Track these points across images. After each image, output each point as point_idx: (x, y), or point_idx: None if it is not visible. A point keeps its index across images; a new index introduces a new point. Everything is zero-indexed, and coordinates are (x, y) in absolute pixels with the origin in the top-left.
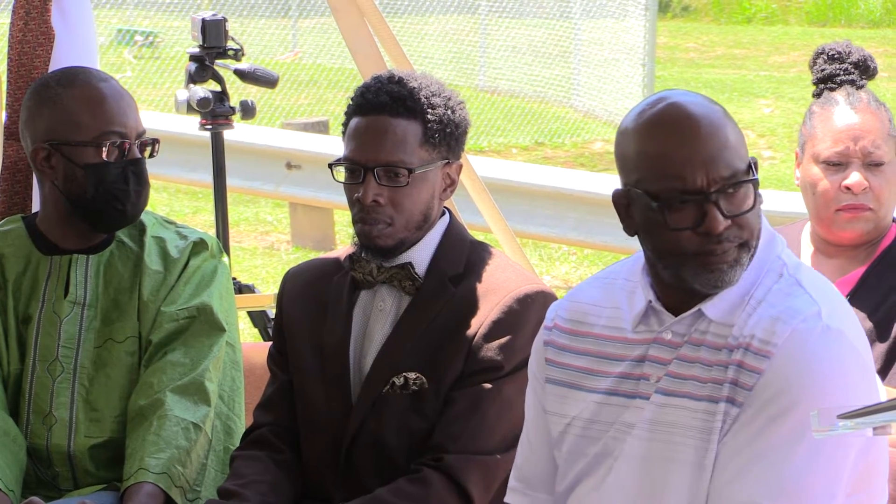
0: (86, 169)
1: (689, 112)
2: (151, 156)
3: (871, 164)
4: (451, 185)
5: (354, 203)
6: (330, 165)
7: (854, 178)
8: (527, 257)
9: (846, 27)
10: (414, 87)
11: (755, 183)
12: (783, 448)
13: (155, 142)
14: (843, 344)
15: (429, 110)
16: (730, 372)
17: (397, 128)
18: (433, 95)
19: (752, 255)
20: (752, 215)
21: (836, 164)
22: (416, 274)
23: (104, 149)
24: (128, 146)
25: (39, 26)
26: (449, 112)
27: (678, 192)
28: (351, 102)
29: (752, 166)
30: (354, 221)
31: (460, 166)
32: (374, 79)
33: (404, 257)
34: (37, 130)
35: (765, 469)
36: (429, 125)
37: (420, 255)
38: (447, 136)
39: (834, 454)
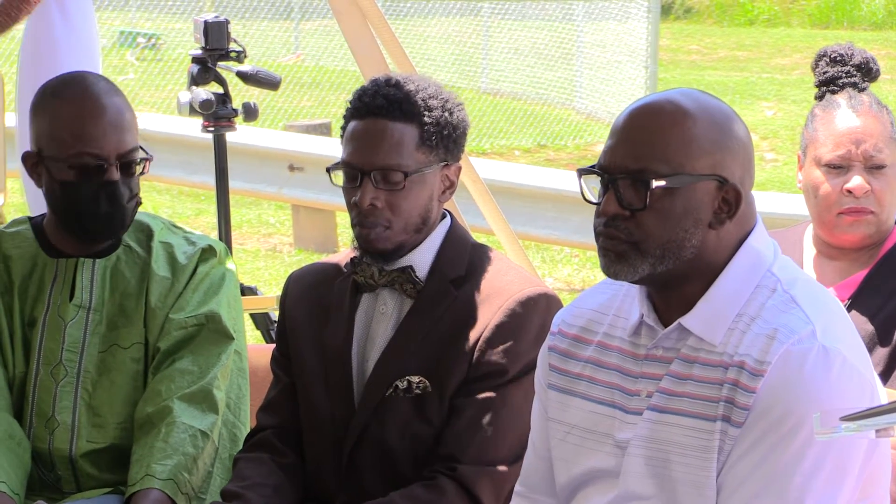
0: (62, 185)
1: (645, 103)
2: (142, 173)
3: (873, 168)
4: (450, 187)
5: (352, 207)
6: (328, 169)
7: (856, 181)
8: (529, 260)
9: (849, 29)
10: (411, 90)
11: (647, 188)
12: (789, 470)
13: (144, 160)
14: (841, 363)
15: (426, 113)
16: (724, 390)
17: (394, 131)
18: (430, 98)
19: (657, 264)
20: (649, 219)
21: (838, 168)
22: (416, 277)
23: (75, 170)
24: (105, 168)
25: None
26: (447, 114)
27: (595, 165)
28: (349, 106)
29: (686, 176)
30: (353, 225)
31: (459, 168)
32: (372, 82)
33: (405, 260)
34: (32, 136)
35: (774, 496)
36: (426, 128)
37: (421, 258)
38: (445, 138)
39: (839, 469)
